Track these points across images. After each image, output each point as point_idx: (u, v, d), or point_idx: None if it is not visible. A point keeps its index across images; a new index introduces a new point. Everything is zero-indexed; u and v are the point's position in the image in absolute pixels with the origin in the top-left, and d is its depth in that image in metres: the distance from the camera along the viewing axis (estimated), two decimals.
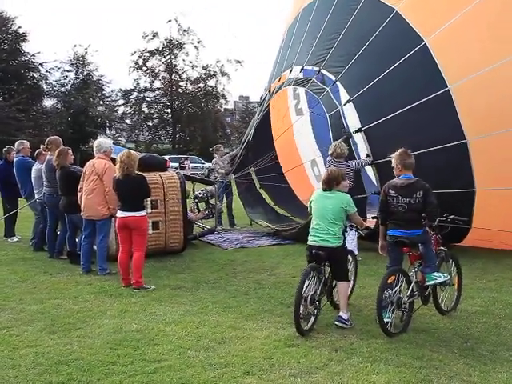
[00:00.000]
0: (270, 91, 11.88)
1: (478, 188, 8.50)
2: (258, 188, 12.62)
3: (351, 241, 8.80)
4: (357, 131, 9.21)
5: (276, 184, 12.25)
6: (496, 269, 8.23)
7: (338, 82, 9.59)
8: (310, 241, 5.69)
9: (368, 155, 9.10)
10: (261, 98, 12.79)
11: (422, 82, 8.84)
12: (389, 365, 4.62)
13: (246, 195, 12.53)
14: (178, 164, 33.87)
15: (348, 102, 9.37)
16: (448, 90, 8.48)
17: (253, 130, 12.09)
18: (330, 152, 8.89)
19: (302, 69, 10.53)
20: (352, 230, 6.25)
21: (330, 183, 5.73)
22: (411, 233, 5.54)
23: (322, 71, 9.95)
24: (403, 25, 9.02)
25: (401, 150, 5.78)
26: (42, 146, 9.59)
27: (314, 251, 5.60)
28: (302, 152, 12.43)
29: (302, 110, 11.92)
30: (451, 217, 6.03)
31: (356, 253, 8.79)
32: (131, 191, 7.16)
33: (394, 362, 4.69)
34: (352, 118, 9.33)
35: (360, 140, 9.25)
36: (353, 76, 9.51)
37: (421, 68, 8.85)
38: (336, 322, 5.64)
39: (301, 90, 11.52)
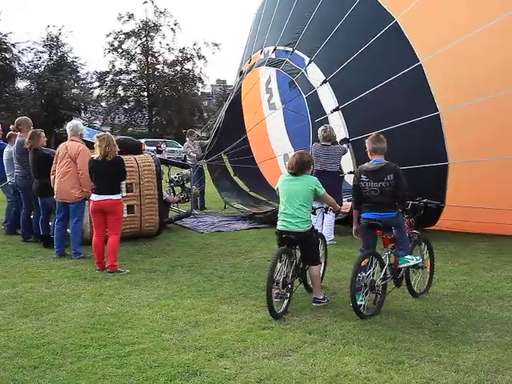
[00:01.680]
0: (241, 73, 11.85)
1: (450, 161, 8.63)
2: (232, 175, 12.66)
3: (328, 224, 8.90)
4: (334, 110, 9.25)
5: (250, 171, 12.30)
6: (467, 252, 8.36)
7: (312, 62, 9.60)
8: (279, 225, 5.67)
9: (346, 140, 9.14)
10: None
11: (395, 58, 8.93)
12: (361, 346, 4.68)
13: (221, 181, 12.52)
14: (155, 148, 33.62)
15: (324, 82, 9.39)
16: (420, 65, 8.60)
17: (222, 116, 12.05)
18: (319, 135, 8.91)
19: (274, 49, 10.50)
20: (325, 212, 6.26)
21: (302, 167, 5.65)
22: (384, 215, 5.59)
23: (296, 52, 9.96)
24: (374, 3, 9.08)
25: (373, 135, 5.82)
26: (11, 127, 9.42)
27: (284, 235, 5.61)
28: (274, 145, 12.46)
29: (275, 104, 11.96)
30: (424, 200, 6.10)
31: (332, 236, 8.91)
32: (110, 173, 7.06)
33: (367, 343, 4.75)
34: (328, 98, 9.37)
35: (337, 120, 9.28)
36: (327, 56, 9.52)
37: (393, 44, 8.93)
38: (313, 304, 5.70)
39: (273, 85, 11.67)
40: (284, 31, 10.43)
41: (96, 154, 7.12)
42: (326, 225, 8.82)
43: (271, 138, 12.50)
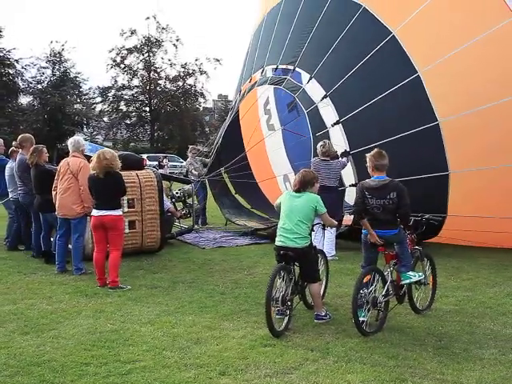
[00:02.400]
0: (240, 93, 11.97)
1: (451, 171, 8.67)
2: (233, 194, 12.75)
3: (329, 240, 8.88)
4: (334, 124, 9.33)
5: (251, 189, 12.45)
6: (470, 268, 8.33)
7: (313, 79, 9.75)
8: (277, 241, 5.66)
9: (346, 152, 9.17)
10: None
11: (393, 70, 9.07)
12: (364, 364, 4.64)
13: (222, 198, 12.56)
14: (157, 163, 33.67)
15: (325, 97, 9.50)
16: (418, 76, 8.72)
17: (222, 134, 12.20)
18: (318, 150, 8.96)
19: (276, 68, 10.64)
20: (322, 228, 6.24)
21: (305, 185, 5.68)
22: (386, 232, 5.58)
23: (297, 69, 10.09)
24: (371, 19, 9.28)
25: (375, 151, 5.78)
26: (14, 143, 9.45)
27: (282, 252, 5.59)
28: (274, 166, 12.50)
29: (274, 126, 12.08)
30: (426, 216, 6.08)
31: (333, 252, 8.88)
32: (109, 189, 7.07)
33: (369, 361, 4.71)
34: (329, 113, 9.47)
35: (338, 133, 9.35)
36: (327, 72, 9.66)
37: (391, 57, 9.07)
38: (315, 321, 5.68)
39: (272, 106, 11.84)
40: (285, 50, 10.55)
41: (94, 170, 7.14)
42: (327, 240, 8.80)
43: (270, 158, 12.58)
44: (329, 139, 9.34)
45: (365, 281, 5.36)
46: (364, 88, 9.28)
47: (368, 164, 5.77)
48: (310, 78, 9.81)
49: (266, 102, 12.25)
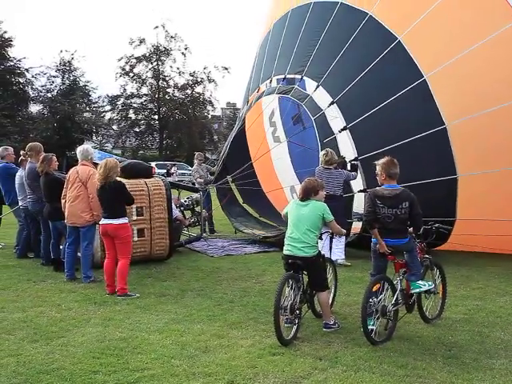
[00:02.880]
0: (248, 103, 12.09)
1: (459, 174, 8.70)
2: (241, 203, 12.82)
3: (339, 248, 8.88)
4: (342, 130, 9.39)
5: (259, 199, 12.58)
6: (480, 277, 8.28)
7: (320, 87, 9.85)
8: (285, 250, 5.65)
9: (356, 166, 9.16)
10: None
11: (399, 74, 9.14)
12: (373, 373, 4.62)
13: (230, 208, 12.62)
14: (165, 170, 33.73)
15: (332, 103, 9.58)
16: (424, 80, 8.80)
17: (229, 145, 12.30)
18: (320, 159, 8.96)
19: (284, 78, 10.75)
20: (331, 236, 6.20)
21: (308, 193, 5.67)
22: (397, 241, 5.56)
23: (304, 78, 10.20)
24: (377, 25, 9.39)
25: (387, 159, 5.73)
26: (21, 152, 9.52)
27: (290, 260, 5.58)
28: (280, 177, 12.54)
29: (280, 138, 12.15)
30: (436, 225, 6.06)
31: (343, 257, 8.88)
32: (109, 198, 7.14)
33: (378, 370, 4.69)
34: (336, 119, 9.53)
35: (345, 139, 9.39)
36: (334, 79, 9.75)
37: (397, 62, 9.15)
38: (324, 329, 5.67)
39: (277, 118, 11.96)
40: (292, 60, 10.64)
41: (98, 180, 7.21)
42: (335, 246, 8.81)
43: (276, 169, 12.65)
44: (337, 145, 9.39)
45: (374, 289, 5.33)
46: (371, 94, 9.34)
47: (379, 172, 5.71)
48: (317, 86, 9.89)
49: (272, 114, 12.38)
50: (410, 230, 5.75)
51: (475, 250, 9.54)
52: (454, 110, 8.70)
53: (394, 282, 5.62)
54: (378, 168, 5.76)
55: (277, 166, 12.57)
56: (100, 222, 7.25)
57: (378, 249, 5.62)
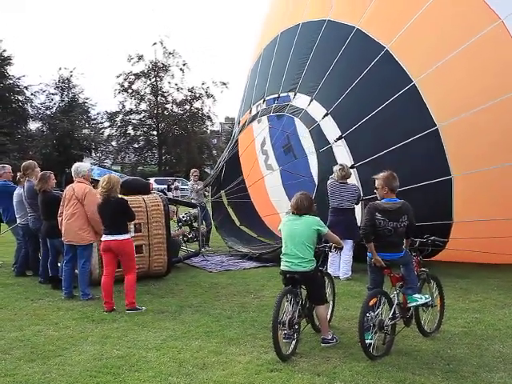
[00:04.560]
0: (239, 124, 12.32)
1: (454, 175, 8.80)
2: (238, 225, 12.95)
3: (346, 261, 8.90)
4: (338, 139, 9.57)
5: (256, 222, 12.80)
6: (479, 289, 8.25)
7: (313, 100, 10.08)
8: (282, 266, 5.65)
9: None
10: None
11: (390, 80, 9.35)
12: None
13: (224, 227, 12.72)
14: (165, 186, 33.77)
15: (326, 115, 9.77)
16: (414, 85, 9.02)
17: (222, 166, 12.54)
18: (336, 174, 9.05)
19: (278, 97, 11.00)
20: (329, 251, 6.15)
21: (307, 209, 5.64)
22: (393, 255, 5.56)
23: (298, 94, 10.44)
24: (364, 38, 9.70)
25: (388, 173, 5.74)
26: (18, 174, 9.52)
27: (288, 275, 5.57)
28: (275, 204, 12.61)
29: (272, 166, 12.34)
30: (432, 238, 6.06)
31: (350, 273, 8.89)
32: (112, 214, 7.15)
33: None
34: (331, 129, 9.75)
35: (341, 148, 9.58)
36: (326, 92, 10.00)
37: (386, 69, 9.37)
38: (322, 344, 5.64)
39: (268, 147, 12.23)
40: (284, 79, 10.89)
41: (100, 196, 7.22)
42: (343, 261, 8.86)
43: (270, 195, 12.78)
44: (333, 154, 9.56)
45: (371, 304, 5.33)
46: (363, 102, 9.54)
47: (380, 186, 5.71)
48: (311, 100, 10.08)
49: (263, 142, 12.60)
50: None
51: (474, 259, 9.52)
52: (444, 110, 8.88)
53: (391, 296, 5.61)
54: (378, 182, 5.75)
55: (271, 194, 12.76)
56: (102, 239, 7.23)
57: (373, 263, 5.62)
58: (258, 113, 11.46)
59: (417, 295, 5.66)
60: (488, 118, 8.64)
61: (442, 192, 8.86)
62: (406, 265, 5.68)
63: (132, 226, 8.53)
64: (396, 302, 5.60)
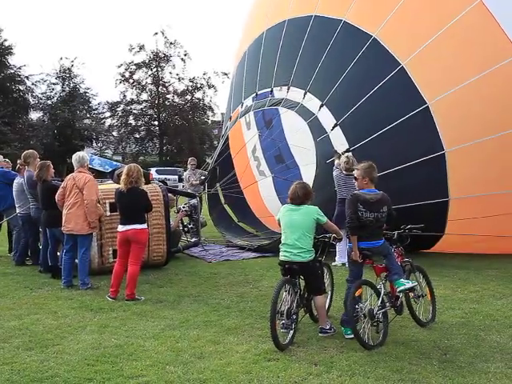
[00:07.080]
0: (230, 119, 12.49)
1: (447, 149, 9.02)
2: (236, 222, 13.07)
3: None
4: (333, 127, 9.81)
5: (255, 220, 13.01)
6: (478, 279, 8.26)
7: (308, 93, 10.36)
8: (281, 256, 5.64)
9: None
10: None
11: (378, 66, 9.64)
12: (367, 378, 4.61)
13: (222, 223, 12.78)
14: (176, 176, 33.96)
15: (321, 106, 10.05)
16: (402, 67, 9.30)
17: (215, 159, 12.84)
18: (341, 166, 9.15)
19: (271, 91, 11.19)
20: (328, 241, 6.13)
21: (306, 198, 5.62)
22: (373, 243, 5.58)
23: (291, 88, 10.71)
24: (352, 30, 10.00)
25: (368, 163, 5.74)
26: (19, 161, 9.53)
27: (286, 266, 5.58)
28: (270, 208, 12.61)
29: (265, 172, 12.47)
30: (408, 227, 6.05)
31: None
32: (133, 204, 7.19)
33: (373, 375, 4.67)
34: (327, 119, 9.98)
35: (338, 135, 9.80)
36: (319, 84, 10.25)
37: (374, 56, 9.67)
38: (320, 334, 5.65)
39: (259, 154, 12.45)
40: (275, 73, 11.13)
41: (121, 185, 7.25)
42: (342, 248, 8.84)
43: (266, 203, 12.82)
44: (330, 142, 9.78)
45: (357, 294, 5.36)
46: (355, 89, 9.79)
47: (360, 176, 5.70)
48: (305, 93, 10.35)
49: (254, 149, 12.68)
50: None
51: (473, 248, 9.54)
52: (432, 90, 9.11)
53: (378, 287, 5.61)
54: (358, 173, 5.74)
55: (264, 199, 12.85)
56: (119, 230, 7.25)
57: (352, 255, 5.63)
58: (251, 106, 11.59)
59: (403, 280, 5.61)
60: (474, 91, 8.87)
61: (436, 168, 9.03)
62: (387, 255, 5.67)
63: None
64: (383, 291, 5.58)
